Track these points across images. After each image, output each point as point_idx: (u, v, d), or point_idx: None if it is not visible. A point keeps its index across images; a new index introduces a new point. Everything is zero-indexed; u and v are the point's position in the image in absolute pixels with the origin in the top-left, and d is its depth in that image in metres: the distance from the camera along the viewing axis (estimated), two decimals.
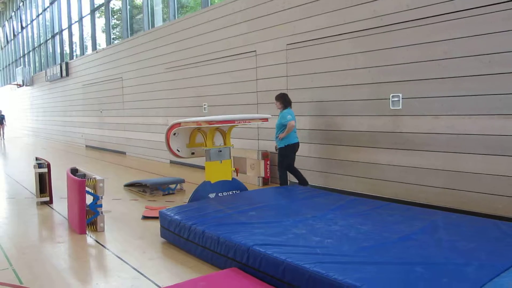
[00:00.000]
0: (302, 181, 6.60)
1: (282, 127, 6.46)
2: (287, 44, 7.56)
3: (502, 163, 4.93)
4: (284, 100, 6.62)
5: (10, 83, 31.07)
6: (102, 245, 4.85)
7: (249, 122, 6.17)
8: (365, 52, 6.27)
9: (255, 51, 8.33)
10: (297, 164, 6.78)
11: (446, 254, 3.30)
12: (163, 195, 7.39)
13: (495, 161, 5.00)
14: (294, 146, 6.52)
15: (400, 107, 5.89)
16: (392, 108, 5.99)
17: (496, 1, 4.85)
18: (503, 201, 4.96)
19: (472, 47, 5.09)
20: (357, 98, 6.38)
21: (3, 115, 24.80)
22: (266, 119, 6.28)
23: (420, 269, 3.02)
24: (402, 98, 5.86)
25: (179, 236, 4.47)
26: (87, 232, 5.25)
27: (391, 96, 5.98)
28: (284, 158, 6.54)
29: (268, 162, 7.99)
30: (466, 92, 5.19)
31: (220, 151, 6.17)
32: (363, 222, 4.24)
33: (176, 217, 4.60)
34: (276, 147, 6.75)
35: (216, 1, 11.02)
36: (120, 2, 14.68)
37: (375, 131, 6.24)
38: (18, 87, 27.86)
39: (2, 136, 24.08)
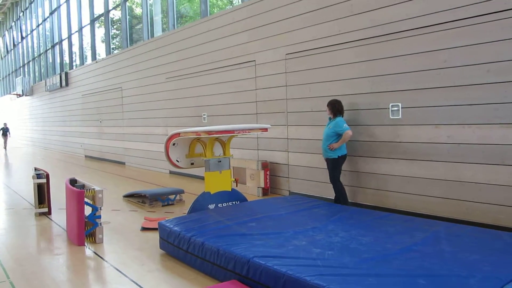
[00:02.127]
0: (343, 199, 6.13)
1: (335, 136, 6.03)
2: (287, 54, 7.58)
3: (503, 173, 4.91)
4: (333, 107, 6.14)
5: (9, 93, 31.12)
6: (101, 257, 4.81)
7: (248, 132, 6.15)
8: (365, 62, 6.28)
9: (254, 60, 8.34)
10: (301, 174, 6.75)
11: (449, 266, 3.26)
12: (163, 206, 7.34)
13: (495, 171, 4.97)
14: (345, 157, 6.17)
15: (400, 116, 5.88)
16: (391, 117, 5.98)
17: (494, 10, 4.86)
18: (504, 211, 4.92)
19: (471, 56, 5.10)
20: (357, 108, 6.37)
21: (8, 128, 24.97)
22: (266, 129, 6.26)
23: (422, 281, 2.99)
24: (401, 108, 5.85)
25: (179, 248, 4.43)
26: (85, 244, 5.21)
27: (390, 105, 5.97)
28: (336, 170, 6.10)
29: (268, 173, 7.96)
30: (466, 101, 5.18)
31: (220, 161, 6.15)
32: (364, 233, 4.20)
33: (176, 228, 4.57)
34: (326, 159, 6.24)
35: (215, 11, 11.08)
36: (120, 12, 14.74)
37: (374, 140, 6.22)
38: (17, 97, 27.90)
39: (4, 146, 24.17)
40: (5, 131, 24.66)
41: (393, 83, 5.93)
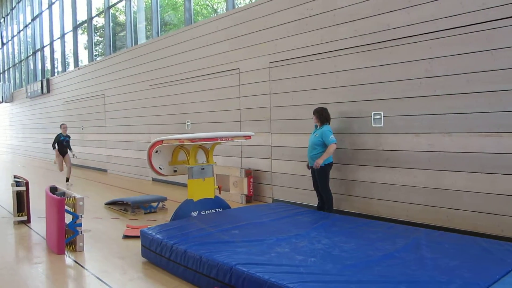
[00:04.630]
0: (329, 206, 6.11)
1: (321, 144, 5.97)
2: (270, 62, 7.63)
3: (482, 181, 5.00)
4: (320, 115, 6.09)
5: None
6: (81, 266, 4.73)
7: (232, 139, 6.15)
8: (347, 71, 6.35)
9: (238, 68, 8.37)
10: (284, 181, 6.77)
11: (429, 272, 3.30)
12: (145, 213, 7.27)
13: (474, 179, 5.07)
14: (331, 165, 6.10)
15: (382, 124, 5.95)
16: (374, 125, 6.05)
17: (474, 21, 4.98)
18: (483, 218, 5.01)
19: (452, 66, 5.20)
20: (339, 116, 6.44)
21: None
22: (249, 137, 6.27)
23: None
24: (383, 116, 5.93)
25: (161, 256, 4.39)
26: (65, 252, 5.12)
27: (373, 113, 6.05)
28: (325, 178, 6.04)
29: (252, 180, 7.95)
30: (446, 110, 5.28)
31: (203, 168, 6.13)
32: (346, 240, 4.22)
33: (158, 236, 4.52)
34: (309, 166, 6.26)
35: (199, 19, 11.10)
36: (103, 19, 14.66)
37: (357, 148, 6.28)
38: None
39: None
40: None
41: (375, 92, 6.01)
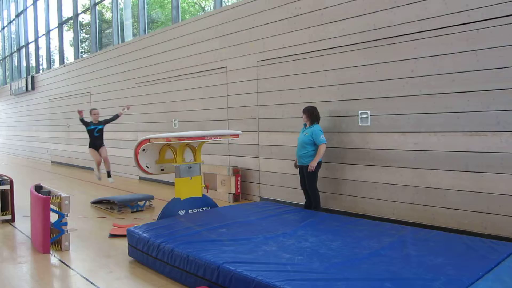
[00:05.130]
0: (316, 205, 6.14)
1: (311, 143, 5.97)
2: (258, 61, 7.63)
3: (467, 179, 5.08)
4: (311, 114, 6.07)
5: None
6: (67, 265, 4.68)
7: (219, 138, 6.15)
8: (334, 70, 6.39)
9: (226, 67, 8.36)
10: (272, 180, 6.79)
11: (414, 270, 3.34)
12: (132, 212, 7.23)
13: (459, 177, 5.14)
14: (321, 164, 6.11)
15: (369, 123, 6.00)
16: (360, 124, 6.10)
17: (458, 22, 5.04)
18: (467, 216, 5.09)
19: (437, 66, 5.27)
20: (326, 115, 6.47)
21: None
22: (237, 135, 6.27)
23: (389, 285, 3.05)
24: (370, 115, 5.98)
25: (148, 255, 4.37)
26: (51, 252, 5.07)
27: (359, 112, 6.09)
28: (314, 177, 6.05)
29: (239, 178, 7.96)
30: (432, 110, 5.35)
31: (190, 167, 6.11)
32: (333, 239, 4.25)
33: (145, 235, 4.50)
34: (297, 165, 6.27)
35: (187, 17, 11.05)
36: (89, 16, 14.51)
37: (344, 147, 6.32)
38: None
39: None
40: None
41: (362, 91, 6.05)
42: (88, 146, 8.38)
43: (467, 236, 4.41)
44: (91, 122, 8.26)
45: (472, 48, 4.95)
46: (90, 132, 8.23)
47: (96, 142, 8.31)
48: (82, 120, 8.16)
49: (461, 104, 5.08)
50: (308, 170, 5.97)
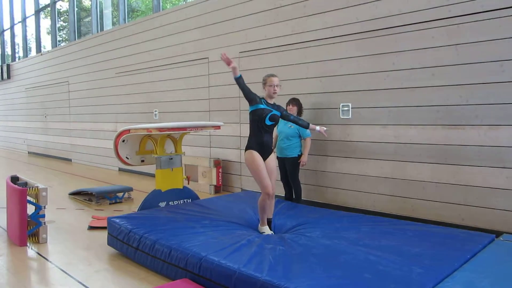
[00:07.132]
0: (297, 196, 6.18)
1: (297, 136, 5.98)
2: (240, 52, 7.58)
3: (445, 172, 5.16)
4: (300, 107, 6.08)
5: None
6: (45, 258, 4.60)
7: (201, 129, 6.10)
8: (316, 62, 6.39)
9: (207, 58, 8.28)
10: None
11: (392, 260, 3.38)
12: (110, 204, 7.14)
13: (438, 170, 5.22)
14: (301, 156, 6.09)
15: (350, 116, 6.04)
16: (342, 117, 6.13)
17: (439, 17, 5.10)
18: (445, 208, 5.18)
19: (418, 59, 5.32)
20: (308, 107, 6.47)
21: None
22: (218, 127, 6.23)
23: (367, 275, 3.09)
24: (351, 108, 6.01)
25: (128, 245, 4.32)
26: (28, 244, 4.97)
27: (341, 105, 6.12)
28: (297, 168, 6.06)
29: (220, 170, 7.93)
30: (412, 103, 5.41)
31: (171, 158, 6.06)
32: (312, 230, 4.28)
33: (126, 225, 4.45)
34: (283, 158, 6.12)
35: (168, 6, 10.90)
36: (67, 3, 14.18)
37: (325, 139, 6.34)
38: None
39: None
40: None
41: (344, 83, 6.08)
42: None
43: (445, 227, 4.49)
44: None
45: (452, 42, 5.01)
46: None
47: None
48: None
49: (441, 98, 5.15)
50: (301, 166, 6.05)
